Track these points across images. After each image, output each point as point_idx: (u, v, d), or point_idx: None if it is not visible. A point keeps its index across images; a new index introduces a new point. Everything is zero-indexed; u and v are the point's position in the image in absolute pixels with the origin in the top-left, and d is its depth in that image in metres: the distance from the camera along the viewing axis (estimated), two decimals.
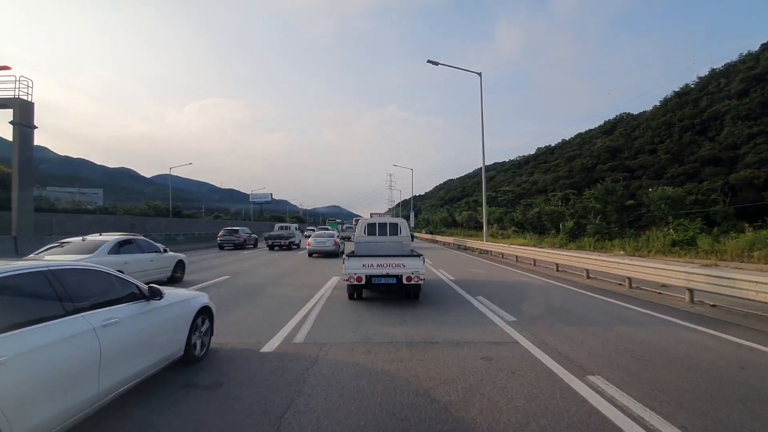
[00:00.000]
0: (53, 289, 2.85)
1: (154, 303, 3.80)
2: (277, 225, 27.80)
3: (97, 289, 3.30)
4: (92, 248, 8.76)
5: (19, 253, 15.78)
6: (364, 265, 7.57)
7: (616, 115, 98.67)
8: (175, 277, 11.17)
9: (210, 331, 4.90)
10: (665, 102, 77.54)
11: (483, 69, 23.22)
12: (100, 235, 10.03)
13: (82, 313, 2.95)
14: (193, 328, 4.41)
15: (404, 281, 7.51)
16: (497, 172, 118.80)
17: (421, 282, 7.61)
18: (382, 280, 7.59)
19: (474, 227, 55.26)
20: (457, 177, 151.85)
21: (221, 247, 25.16)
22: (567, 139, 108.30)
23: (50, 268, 2.96)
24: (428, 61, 22.25)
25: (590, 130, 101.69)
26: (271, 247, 23.97)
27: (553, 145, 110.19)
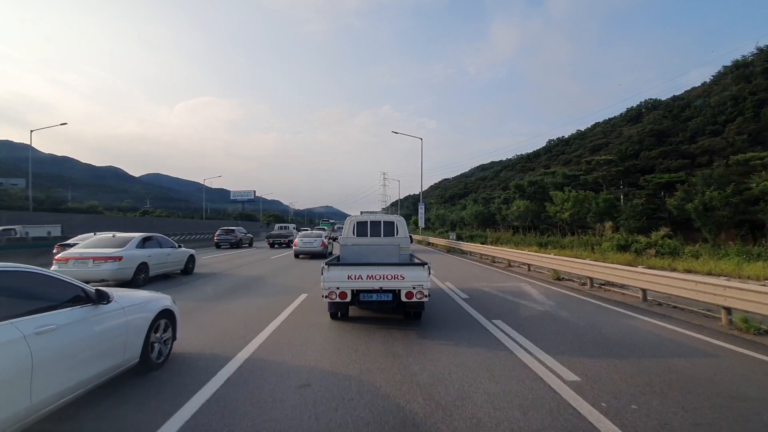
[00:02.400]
0: None
1: (102, 307, 3.54)
2: (277, 225, 34.43)
3: (33, 293, 3.05)
4: (122, 243, 10.07)
5: None
6: (349, 277, 5.81)
7: (641, 102, 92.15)
8: (188, 269, 12.52)
9: (172, 337, 4.65)
10: (718, 77, 66.67)
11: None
12: (95, 234, 11.93)
13: (11, 320, 2.70)
14: (150, 333, 4.15)
15: (403, 298, 5.81)
16: (502, 167, 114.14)
17: (425, 299, 5.87)
18: (374, 297, 5.90)
19: (529, 228, 39.46)
20: (453, 176, 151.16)
21: (218, 246, 26.33)
22: (582, 129, 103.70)
23: None
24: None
25: (610, 119, 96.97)
26: (272, 245, 26.51)
27: (566, 136, 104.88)
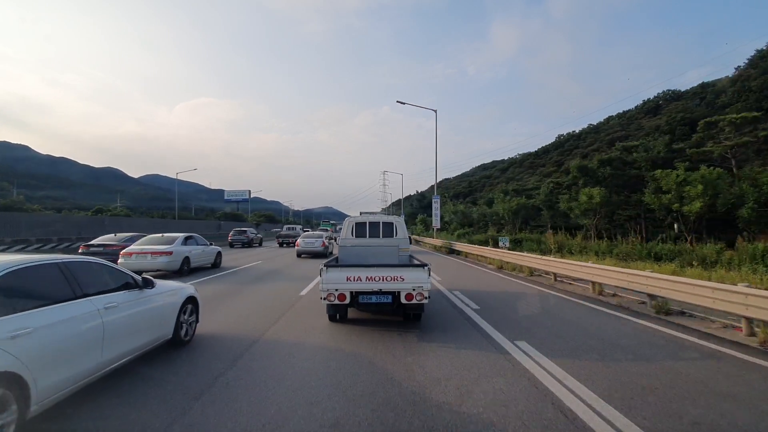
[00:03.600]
0: (64, 276, 3.48)
1: (147, 291, 4.43)
2: (286, 226, 39.05)
3: (100, 279, 3.93)
4: (171, 241, 12.57)
5: None
6: (348, 278, 5.80)
7: (659, 93, 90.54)
8: (216, 263, 14.88)
9: (196, 320, 5.54)
10: (752, 62, 62.60)
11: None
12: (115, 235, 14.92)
13: (89, 297, 3.58)
14: (180, 314, 5.03)
15: (403, 300, 5.76)
16: (509, 164, 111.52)
17: (425, 301, 5.83)
18: (373, 299, 5.86)
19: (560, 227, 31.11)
20: (454, 176, 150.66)
21: (231, 245, 28.26)
22: (594, 123, 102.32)
23: (62, 260, 3.59)
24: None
25: (625, 112, 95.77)
26: (281, 244, 29.69)
27: (577, 130, 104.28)
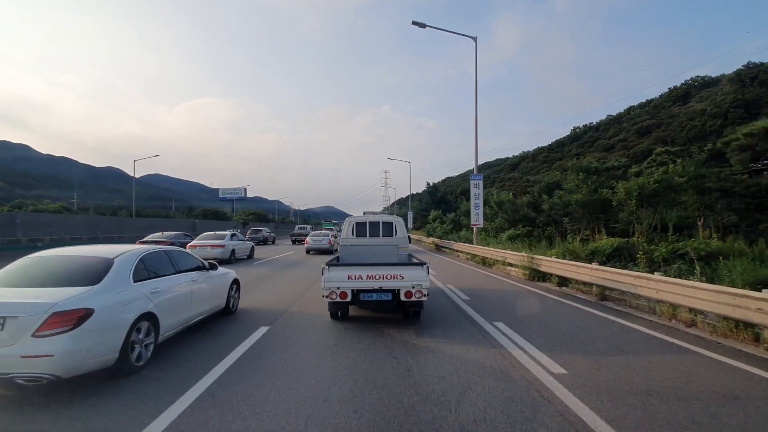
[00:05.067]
0: (168, 259, 5.27)
1: (211, 272, 6.22)
2: (297, 226, 42.89)
3: (185, 261, 5.73)
4: (222, 236, 16.58)
5: None
6: (349, 277, 5.99)
7: (687, 80, 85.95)
8: (251, 255, 18.50)
9: (238, 296, 7.31)
10: None
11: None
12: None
13: (182, 273, 5.37)
14: (230, 291, 6.81)
15: (402, 297, 5.96)
16: (519, 159, 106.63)
17: (424, 299, 6.02)
18: (374, 296, 6.07)
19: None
20: (457, 174, 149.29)
21: None
22: (613, 114, 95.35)
23: (166, 248, 5.42)
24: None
25: (650, 100, 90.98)
26: (294, 242, 32.87)
27: (594, 123, 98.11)
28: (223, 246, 15.72)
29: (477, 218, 18.75)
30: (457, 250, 21.38)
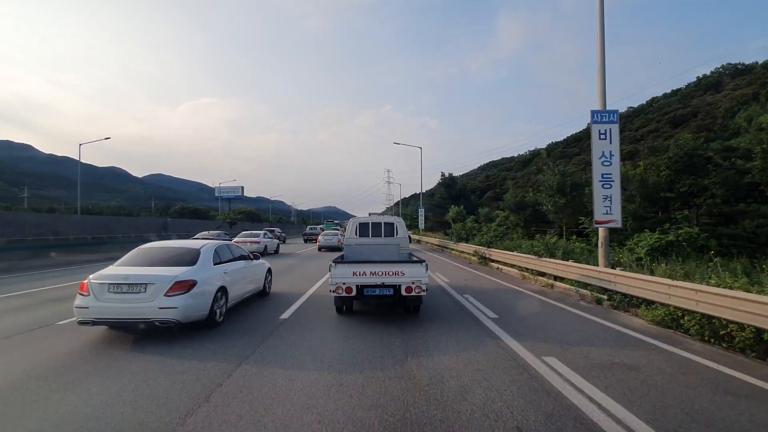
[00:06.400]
0: (229, 249, 7.24)
1: (254, 261, 8.17)
2: (309, 227, 47.36)
3: (238, 251, 7.68)
4: (257, 235, 21.00)
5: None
6: (354, 273, 6.46)
7: (717, 68, 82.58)
8: (277, 250, 22.65)
9: (270, 282, 9.25)
10: None
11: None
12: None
13: (238, 261, 7.32)
14: (265, 277, 8.75)
15: (403, 292, 6.40)
16: (531, 155, 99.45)
17: (423, 293, 6.47)
18: (377, 291, 6.50)
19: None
20: (461, 174, 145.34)
21: None
22: (635, 106, 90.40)
23: (227, 243, 7.37)
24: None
25: (677, 90, 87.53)
26: (306, 241, 36.88)
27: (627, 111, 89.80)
28: (258, 242, 20.03)
29: (609, 209, 9.55)
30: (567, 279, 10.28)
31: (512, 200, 28.78)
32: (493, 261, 15.68)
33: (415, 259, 7.54)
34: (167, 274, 5.47)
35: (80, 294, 5.31)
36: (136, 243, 9.29)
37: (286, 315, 6.99)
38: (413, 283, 6.37)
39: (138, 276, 5.41)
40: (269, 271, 9.15)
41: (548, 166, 23.30)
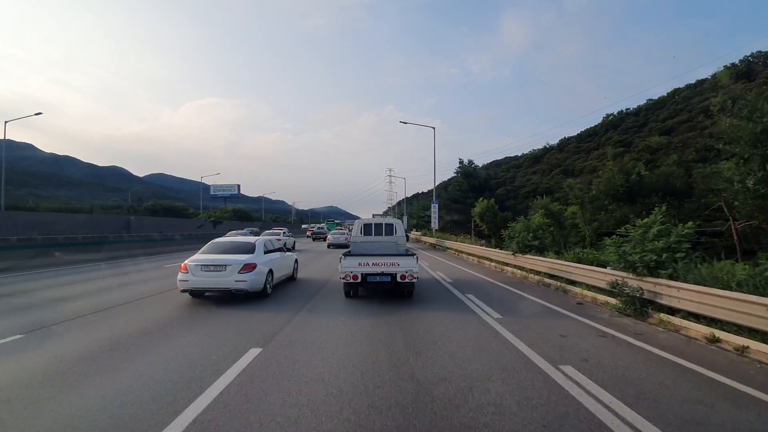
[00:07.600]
0: (272, 243, 9.80)
1: (286, 253, 10.67)
2: (317, 226, 50.06)
3: (278, 245, 10.19)
4: (278, 233, 24.69)
5: None
6: (360, 264, 7.93)
7: (743, 57, 76.63)
8: (293, 247, 25.23)
9: (297, 270, 11.70)
10: None
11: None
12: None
13: (280, 252, 9.87)
14: (294, 266, 11.24)
15: (398, 279, 7.85)
16: (542, 152, 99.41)
17: (414, 280, 7.98)
18: (377, 278, 7.93)
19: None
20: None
21: None
22: (655, 98, 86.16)
23: (269, 237, 9.96)
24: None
25: (702, 80, 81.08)
26: (314, 240, 39.36)
27: (632, 108, 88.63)
28: (280, 239, 22.19)
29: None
30: None
31: (611, 180, 19.21)
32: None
33: (408, 253, 9.07)
34: (238, 259, 7.96)
35: (181, 272, 7.80)
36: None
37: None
38: (407, 272, 7.94)
39: (220, 260, 7.90)
40: (296, 261, 11.61)
41: (744, 99, 12.74)
